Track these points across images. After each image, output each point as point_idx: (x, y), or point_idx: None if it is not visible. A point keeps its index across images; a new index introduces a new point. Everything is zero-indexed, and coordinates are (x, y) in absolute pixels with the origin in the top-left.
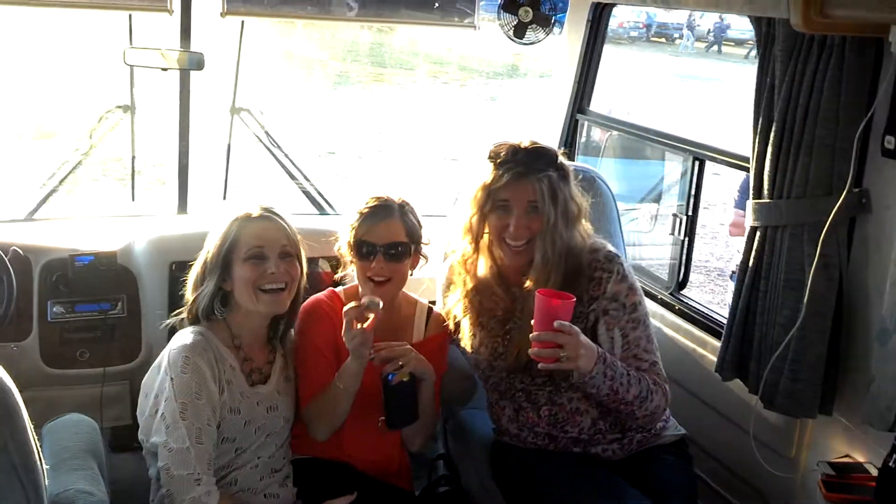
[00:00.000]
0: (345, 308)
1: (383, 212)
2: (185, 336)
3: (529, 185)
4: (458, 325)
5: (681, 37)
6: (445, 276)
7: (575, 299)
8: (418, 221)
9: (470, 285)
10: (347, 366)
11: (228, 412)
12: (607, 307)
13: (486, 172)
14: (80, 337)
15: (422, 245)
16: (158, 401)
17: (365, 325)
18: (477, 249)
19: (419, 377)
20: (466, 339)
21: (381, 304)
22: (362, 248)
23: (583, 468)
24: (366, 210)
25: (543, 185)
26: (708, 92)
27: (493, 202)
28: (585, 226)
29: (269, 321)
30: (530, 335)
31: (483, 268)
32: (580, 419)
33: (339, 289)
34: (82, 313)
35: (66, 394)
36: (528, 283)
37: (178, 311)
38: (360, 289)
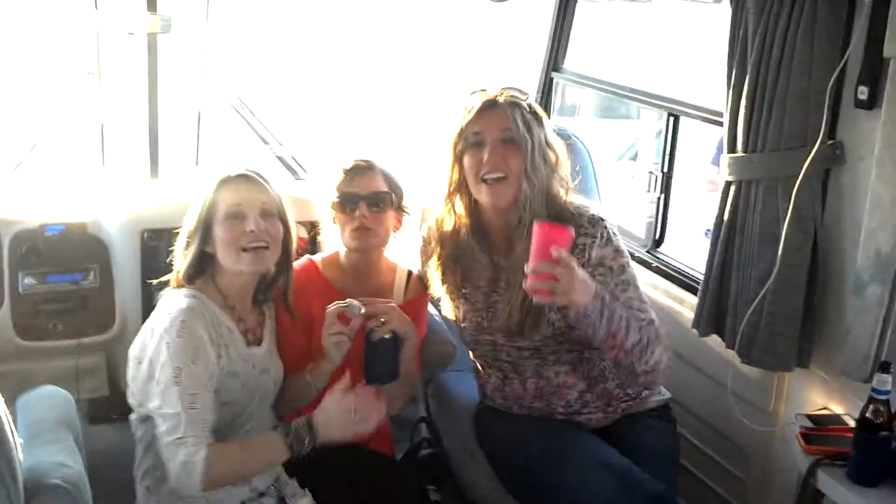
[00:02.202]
0: (328, 308)
1: (365, 165)
2: (179, 299)
3: (500, 112)
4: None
5: None
6: (422, 244)
7: (573, 230)
8: (397, 180)
9: (448, 249)
10: (320, 364)
11: (227, 376)
12: (593, 273)
13: (459, 118)
14: (53, 308)
15: (403, 203)
16: (154, 367)
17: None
18: (455, 205)
19: (402, 336)
20: (448, 311)
21: (363, 311)
22: (345, 201)
23: (569, 433)
24: (347, 165)
25: (515, 113)
26: None
27: (465, 140)
28: (565, 177)
29: (257, 282)
30: (526, 268)
31: (464, 230)
32: (567, 392)
33: (316, 256)
34: (54, 284)
35: (40, 367)
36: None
37: (160, 278)
38: (341, 254)
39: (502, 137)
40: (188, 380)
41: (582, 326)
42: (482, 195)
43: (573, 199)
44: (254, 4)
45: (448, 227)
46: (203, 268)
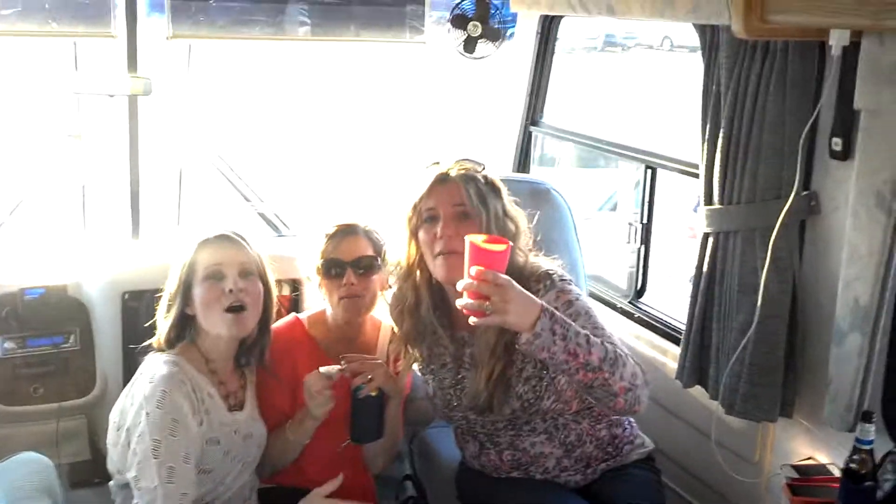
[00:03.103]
0: (306, 379)
1: (347, 230)
2: (159, 366)
3: (453, 185)
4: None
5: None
6: (390, 310)
7: (510, 245)
8: (381, 240)
9: (411, 326)
10: (302, 421)
11: (207, 444)
12: None
13: (413, 193)
14: (34, 372)
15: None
16: (131, 434)
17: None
18: (414, 282)
19: (387, 393)
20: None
21: (340, 368)
22: (330, 267)
23: (549, 495)
24: (330, 231)
25: (469, 186)
26: None
27: (418, 217)
28: (524, 247)
29: (239, 344)
30: (458, 284)
31: (424, 307)
32: (544, 461)
33: (302, 315)
34: (34, 348)
35: (21, 431)
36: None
37: (142, 342)
38: (327, 313)
39: (456, 212)
40: (167, 453)
41: (537, 354)
42: (436, 269)
43: (538, 260)
44: (235, 66)
45: (409, 302)
46: (184, 331)
